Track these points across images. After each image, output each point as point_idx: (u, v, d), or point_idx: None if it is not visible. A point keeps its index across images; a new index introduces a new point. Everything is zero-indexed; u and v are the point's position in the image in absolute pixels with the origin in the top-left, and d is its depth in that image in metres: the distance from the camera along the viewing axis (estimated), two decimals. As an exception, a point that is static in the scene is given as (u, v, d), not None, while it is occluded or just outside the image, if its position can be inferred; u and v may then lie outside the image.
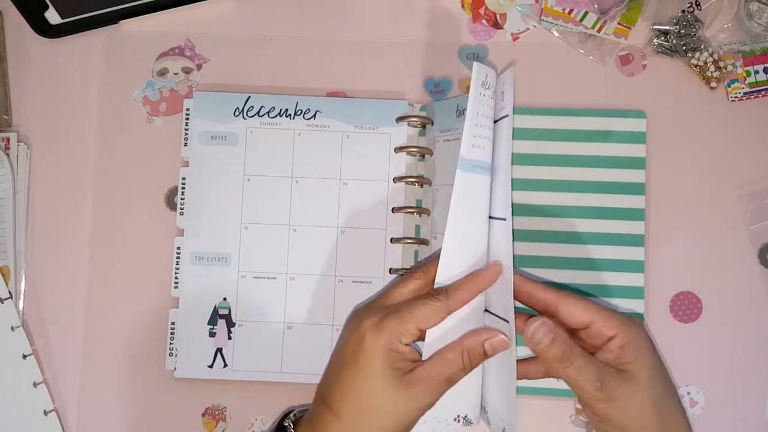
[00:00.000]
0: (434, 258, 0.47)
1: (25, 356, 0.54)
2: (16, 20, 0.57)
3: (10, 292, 0.55)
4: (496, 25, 0.58)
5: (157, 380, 0.55)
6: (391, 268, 0.55)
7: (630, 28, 0.56)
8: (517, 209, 0.55)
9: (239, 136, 0.56)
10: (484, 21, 0.58)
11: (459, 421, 0.48)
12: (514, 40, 0.58)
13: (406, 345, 0.44)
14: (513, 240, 0.48)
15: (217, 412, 0.55)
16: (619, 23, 0.56)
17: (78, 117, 0.58)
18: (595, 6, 0.56)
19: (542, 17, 0.57)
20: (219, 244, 0.55)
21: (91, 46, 0.58)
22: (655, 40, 0.57)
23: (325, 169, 0.55)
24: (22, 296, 0.56)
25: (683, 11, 0.56)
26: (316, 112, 0.56)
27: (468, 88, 0.57)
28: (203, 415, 0.55)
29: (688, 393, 0.54)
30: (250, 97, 0.56)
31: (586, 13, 0.56)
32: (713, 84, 0.56)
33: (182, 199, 0.56)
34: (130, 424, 0.55)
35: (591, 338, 0.45)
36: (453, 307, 0.45)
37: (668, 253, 0.55)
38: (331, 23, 0.58)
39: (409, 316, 0.44)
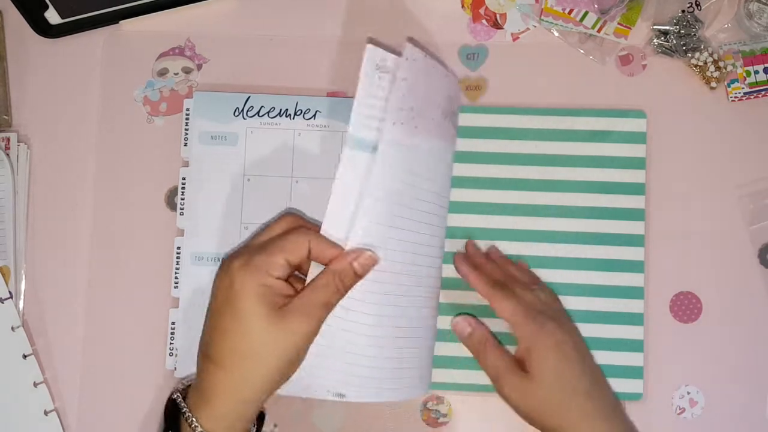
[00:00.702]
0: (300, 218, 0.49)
1: (25, 356, 0.54)
2: (16, 20, 0.57)
3: (10, 292, 0.55)
4: (496, 25, 0.58)
5: (157, 380, 0.55)
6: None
7: (630, 28, 0.56)
8: (518, 209, 0.55)
9: (239, 136, 0.56)
10: (484, 21, 0.58)
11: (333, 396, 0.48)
12: (514, 40, 0.58)
13: (278, 279, 0.44)
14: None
15: (217, 412, 0.55)
16: (619, 23, 0.56)
17: (78, 117, 0.58)
18: (595, 6, 0.56)
19: (542, 17, 0.57)
20: (219, 244, 0.55)
21: (91, 46, 0.58)
22: (655, 40, 0.57)
23: (325, 169, 0.55)
24: (22, 296, 0.56)
25: (683, 11, 0.56)
26: (316, 112, 0.56)
27: (468, 87, 0.57)
28: (203, 415, 0.55)
29: (688, 393, 0.54)
30: (250, 97, 0.56)
31: (586, 13, 0.56)
32: (713, 84, 0.56)
33: (182, 199, 0.56)
34: (130, 424, 0.55)
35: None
36: (316, 240, 0.45)
37: (668, 253, 0.55)
38: (331, 23, 0.58)
39: (274, 248, 0.45)
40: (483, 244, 0.55)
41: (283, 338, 0.43)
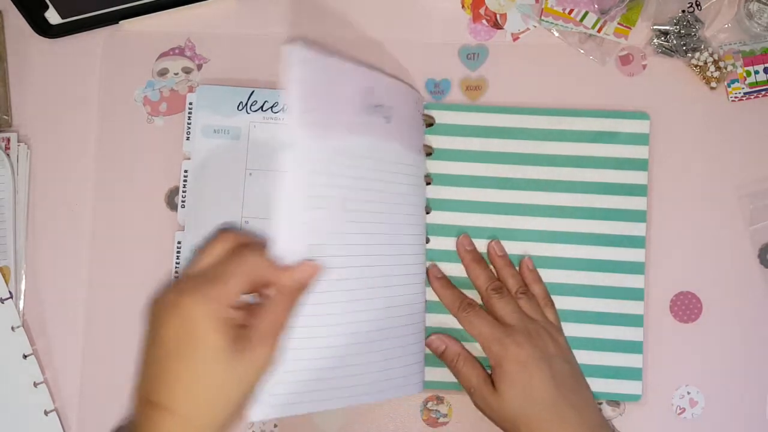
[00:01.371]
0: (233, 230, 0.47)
1: (25, 356, 0.54)
2: (16, 20, 0.57)
3: (10, 292, 0.55)
4: (496, 25, 0.58)
5: (157, 380, 0.55)
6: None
7: (630, 28, 0.56)
8: (518, 209, 0.55)
9: (242, 130, 0.56)
10: (484, 21, 0.58)
11: None
12: (514, 40, 0.58)
13: (236, 308, 0.41)
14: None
15: (217, 412, 0.55)
16: (619, 23, 0.56)
17: (78, 117, 0.58)
18: (596, 6, 0.56)
19: (542, 17, 0.57)
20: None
21: (91, 46, 0.58)
22: (655, 40, 0.57)
23: None
24: (22, 296, 0.56)
25: (683, 11, 0.56)
26: None
27: (468, 87, 0.57)
28: (203, 415, 0.55)
29: (688, 393, 0.54)
30: (254, 91, 0.56)
31: (586, 13, 0.56)
32: (713, 84, 0.56)
33: (184, 191, 0.56)
34: (130, 424, 0.55)
35: None
36: (260, 259, 0.42)
37: (668, 253, 0.55)
38: (330, 23, 0.58)
39: (226, 276, 0.41)
40: (483, 244, 0.55)
41: (244, 371, 0.40)
